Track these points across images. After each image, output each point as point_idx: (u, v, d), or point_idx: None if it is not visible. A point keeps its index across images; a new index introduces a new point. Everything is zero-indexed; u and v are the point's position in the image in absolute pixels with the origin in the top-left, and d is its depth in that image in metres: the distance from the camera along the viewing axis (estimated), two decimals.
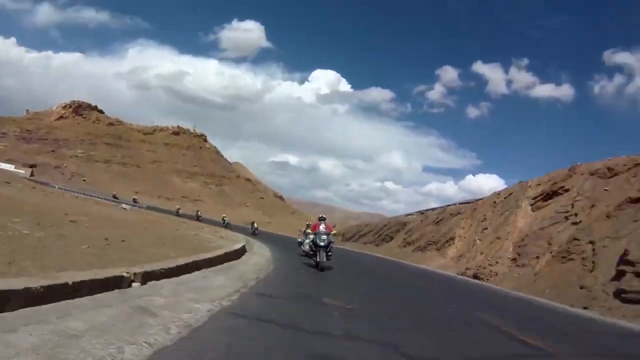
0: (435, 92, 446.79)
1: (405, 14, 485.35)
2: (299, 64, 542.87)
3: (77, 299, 4.07)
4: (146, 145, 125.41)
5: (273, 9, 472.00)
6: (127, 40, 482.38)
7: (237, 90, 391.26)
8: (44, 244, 6.30)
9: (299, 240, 20.67)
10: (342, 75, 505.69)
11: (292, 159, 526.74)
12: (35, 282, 3.76)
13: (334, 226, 14.85)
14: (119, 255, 6.62)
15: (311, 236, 13.74)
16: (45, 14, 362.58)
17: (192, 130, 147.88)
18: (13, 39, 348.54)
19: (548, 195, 27.87)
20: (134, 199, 57.97)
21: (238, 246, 12.92)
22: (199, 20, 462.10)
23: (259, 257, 13.28)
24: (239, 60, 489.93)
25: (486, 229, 31.59)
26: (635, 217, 17.37)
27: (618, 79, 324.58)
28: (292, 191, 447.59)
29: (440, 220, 43.72)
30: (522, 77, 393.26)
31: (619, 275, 13.92)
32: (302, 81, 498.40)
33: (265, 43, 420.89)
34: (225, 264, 9.49)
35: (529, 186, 30.87)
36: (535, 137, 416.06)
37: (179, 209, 55.13)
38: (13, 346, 2.77)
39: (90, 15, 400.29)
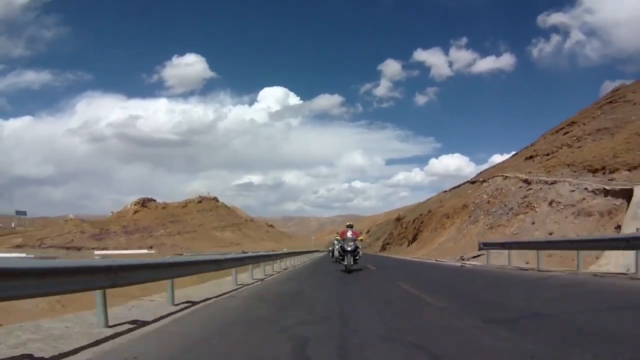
0: (382, 88, 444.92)
1: (337, 15, 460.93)
2: (246, 86, 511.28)
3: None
4: (188, 215, 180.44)
5: (209, 38, 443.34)
6: (73, 95, 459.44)
7: (190, 124, 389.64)
8: None
9: (330, 249, 26.84)
10: (290, 89, 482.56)
11: (255, 178, 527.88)
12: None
13: (361, 233, 17.67)
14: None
15: (341, 242, 15.73)
16: None
17: (207, 195, 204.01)
18: None
19: None
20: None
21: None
22: (140, 62, 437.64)
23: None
24: (186, 95, 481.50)
25: None
26: None
27: (555, 38, 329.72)
28: (260, 210, 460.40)
29: None
30: (462, 56, 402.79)
31: None
32: (251, 102, 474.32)
33: (209, 73, 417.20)
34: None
35: None
36: (486, 109, 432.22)
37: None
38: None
39: (32, 77, 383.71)
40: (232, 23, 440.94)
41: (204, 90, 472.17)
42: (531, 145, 54.91)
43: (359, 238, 15.26)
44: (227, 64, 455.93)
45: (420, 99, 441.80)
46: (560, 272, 12.57)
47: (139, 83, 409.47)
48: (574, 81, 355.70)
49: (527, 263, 15.97)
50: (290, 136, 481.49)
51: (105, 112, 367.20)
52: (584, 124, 42.76)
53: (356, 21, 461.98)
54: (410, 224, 63.87)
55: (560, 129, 48.88)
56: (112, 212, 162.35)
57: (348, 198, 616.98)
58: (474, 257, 24.44)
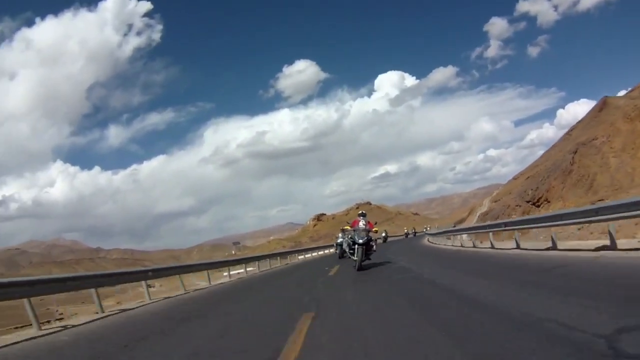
0: (492, 49, 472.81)
1: None
2: (361, 78, 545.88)
3: None
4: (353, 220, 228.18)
5: (313, 40, 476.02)
6: (198, 126, 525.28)
7: (315, 128, 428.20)
8: None
9: (338, 242, 21.14)
10: (404, 71, 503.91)
11: (391, 167, 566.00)
12: None
13: (376, 223, 14.31)
14: None
15: (351, 234, 13.04)
16: (115, 135, 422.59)
17: (362, 201, 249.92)
18: (97, 168, 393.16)
19: None
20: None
21: None
22: (253, 80, 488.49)
23: None
24: (305, 101, 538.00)
25: None
26: None
27: None
28: (401, 197, 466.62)
29: None
30: None
31: None
32: (369, 93, 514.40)
33: (322, 75, 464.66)
34: None
35: None
36: (601, 44, 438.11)
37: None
38: None
39: (156, 119, 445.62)
40: (331, 19, 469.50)
41: (321, 92, 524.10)
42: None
43: (373, 229, 12.96)
44: (337, 61, 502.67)
45: (533, 51, 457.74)
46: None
47: (258, 99, 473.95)
48: None
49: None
50: (414, 118, 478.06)
51: (233, 134, 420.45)
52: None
53: None
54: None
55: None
56: (297, 230, 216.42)
57: (486, 168, 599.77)
58: None
